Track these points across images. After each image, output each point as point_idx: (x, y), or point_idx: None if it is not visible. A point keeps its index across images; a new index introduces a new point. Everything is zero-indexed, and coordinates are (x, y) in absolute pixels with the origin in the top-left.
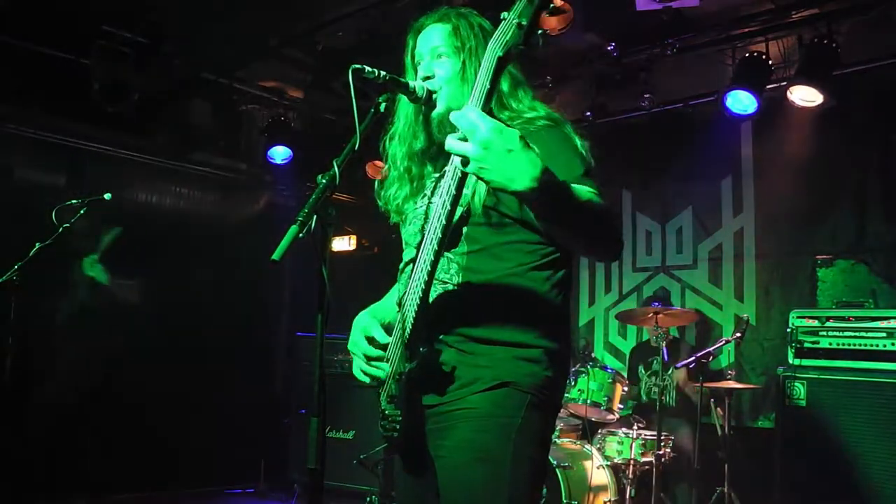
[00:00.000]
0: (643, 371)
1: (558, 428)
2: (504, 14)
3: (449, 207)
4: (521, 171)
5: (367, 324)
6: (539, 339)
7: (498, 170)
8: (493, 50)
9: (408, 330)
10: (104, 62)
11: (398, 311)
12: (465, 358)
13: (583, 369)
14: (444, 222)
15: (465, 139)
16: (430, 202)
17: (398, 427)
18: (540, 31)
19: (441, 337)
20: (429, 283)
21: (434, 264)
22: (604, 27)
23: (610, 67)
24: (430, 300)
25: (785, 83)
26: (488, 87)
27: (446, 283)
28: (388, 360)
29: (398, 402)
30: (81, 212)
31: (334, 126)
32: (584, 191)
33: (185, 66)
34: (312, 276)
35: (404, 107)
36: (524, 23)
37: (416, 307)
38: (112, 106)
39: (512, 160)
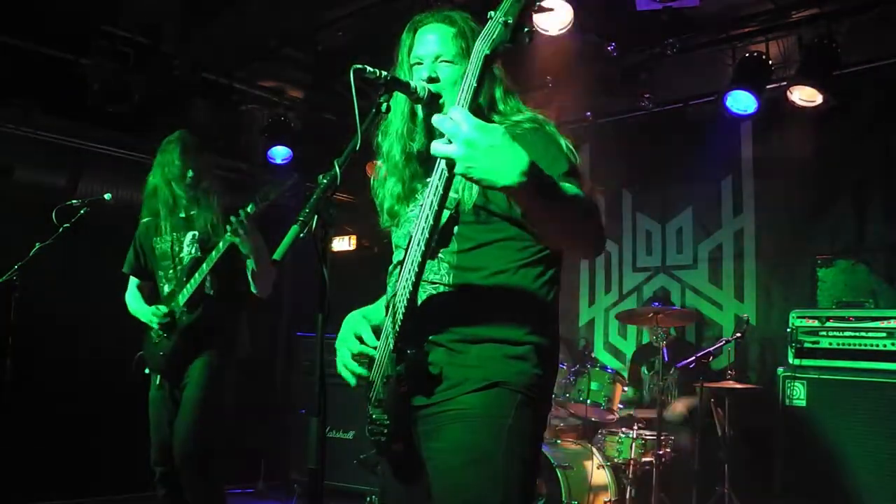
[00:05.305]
0: (646, 372)
1: (558, 427)
2: (491, 13)
3: (436, 208)
4: (507, 166)
5: (357, 323)
6: (528, 336)
7: (484, 167)
8: (481, 48)
9: (396, 332)
10: (104, 62)
11: (386, 315)
12: (455, 357)
13: (583, 369)
14: (431, 223)
15: (450, 142)
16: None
17: (385, 431)
18: (525, 30)
19: (431, 338)
20: (416, 285)
21: (422, 265)
22: (604, 27)
23: (610, 67)
24: (420, 302)
25: (785, 83)
26: (475, 85)
27: (436, 283)
28: (376, 363)
29: (386, 406)
30: (82, 212)
31: (334, 126)
32: (568, 187)
33: (185, 66)
34: (312, 276)
35: (400, 104)
36: (510, 21)
37: (403, 309)
38: (112, 106)
39: (497, 155)
